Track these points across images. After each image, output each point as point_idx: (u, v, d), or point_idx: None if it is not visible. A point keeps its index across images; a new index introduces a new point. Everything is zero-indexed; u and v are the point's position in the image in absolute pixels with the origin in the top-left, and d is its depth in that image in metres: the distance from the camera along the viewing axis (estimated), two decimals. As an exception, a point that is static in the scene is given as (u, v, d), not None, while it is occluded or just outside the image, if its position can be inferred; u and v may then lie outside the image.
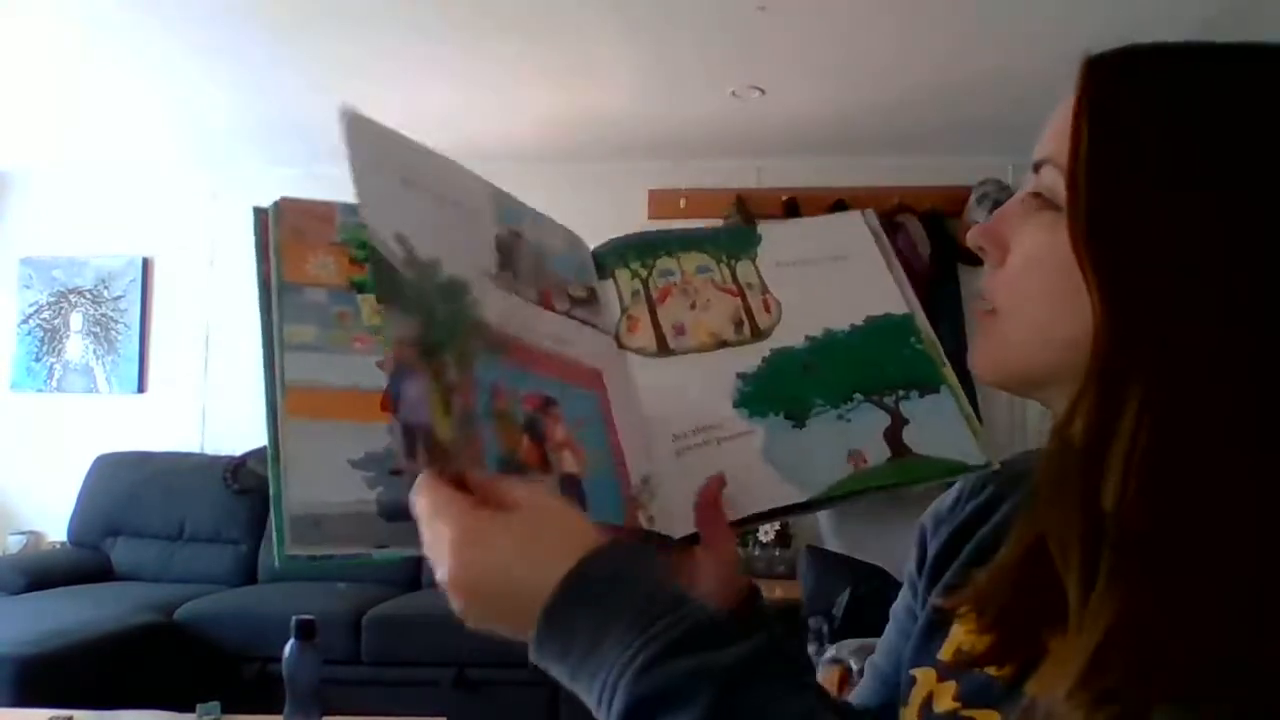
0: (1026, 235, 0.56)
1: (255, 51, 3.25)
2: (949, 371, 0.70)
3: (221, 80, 3.51)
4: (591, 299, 0.71)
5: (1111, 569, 0.46)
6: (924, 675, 0.62)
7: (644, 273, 0.74)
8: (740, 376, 0.70)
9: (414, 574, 3.76)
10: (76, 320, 4.55)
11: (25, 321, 4.57)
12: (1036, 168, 0.56)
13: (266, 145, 4.04)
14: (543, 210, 0.70)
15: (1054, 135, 0.55)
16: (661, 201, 4.23)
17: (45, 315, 4.56)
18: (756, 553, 3.78)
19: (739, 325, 0.73)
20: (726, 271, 0.75)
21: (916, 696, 0.61)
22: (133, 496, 4.10)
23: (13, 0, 2.88)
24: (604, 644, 0.48)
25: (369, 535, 0.58)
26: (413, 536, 0.54)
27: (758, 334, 0.72)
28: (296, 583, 3.72)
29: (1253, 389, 0.46)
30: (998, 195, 3.85)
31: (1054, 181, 0.54)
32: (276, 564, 0.58)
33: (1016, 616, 0.56)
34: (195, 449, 4.38)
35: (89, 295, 4.54)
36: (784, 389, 0.70)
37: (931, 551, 0.69)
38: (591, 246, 0.76)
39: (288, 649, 1.72)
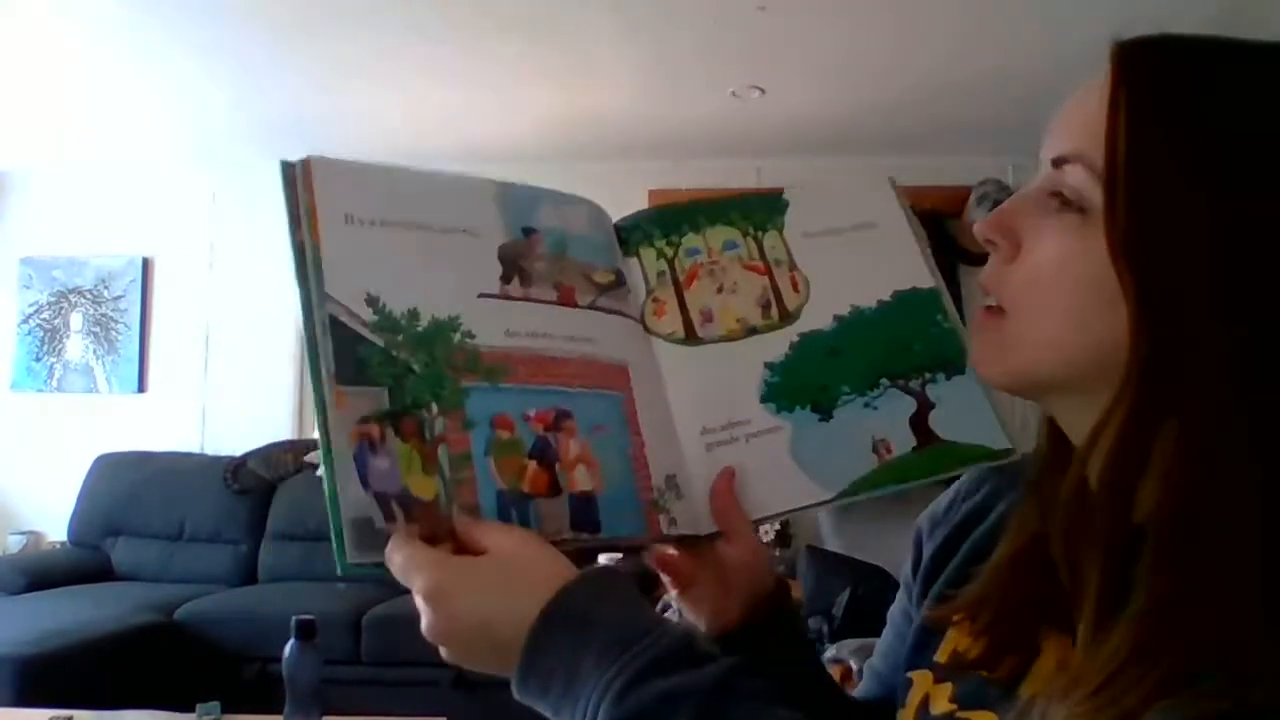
0: (1048, 237, 0.52)
1: (255, 51, 3.25)
2: None
3: (221, 80, 3.51)
4: (617, 283, 0.69)
5: (1152, 581, 0.44)
6: (920, 677, 0.62)
7: (670, 251, 0.73)
8: (768, 366, 0.70)
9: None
10: (76, 320, 4.55)
11: (25, 321, 4.57)
12: (1057, 163, 0.51)
13: (266, 145, 4.03)
14: None
15: (1079, 130, 0.50)
16: (661, 201, 4.22)
17: (45, 315, 4.56)
18: (756, 553, 3.77)
19: (766, 308, 0.72)
20: (754, 245, 0.74)
21: (913, 698, 0.61)
22: (133, 496, 4.10)
23: (13, 0, 2.88)
24: (582, 672, 0.49)
25: None
26: None
27: (786, 317, 0.72)
28: (296, 583, 3.73)
29: None
30: (998, 195, 3.85)
31: (1082, 183, 0.49)
32: (339, 573, 0.55)
33: (1011, 618, 0.56)
34: (195, 449, 4.37)
35: (89, 295, 4.54)
36: (811, 377, 0.70)
37: (927, 553, 0.69)
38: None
39: (288, 649, 1.72)
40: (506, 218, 0.66)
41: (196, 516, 4.07)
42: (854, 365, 0.70)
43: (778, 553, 3.78)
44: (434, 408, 0.57)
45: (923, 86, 3.47)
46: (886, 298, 0.72)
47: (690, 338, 0.70)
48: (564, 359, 0.63)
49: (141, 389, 4.51)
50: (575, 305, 0.66)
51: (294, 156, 0.61)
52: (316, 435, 0.58)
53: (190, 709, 2.01)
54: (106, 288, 4.53)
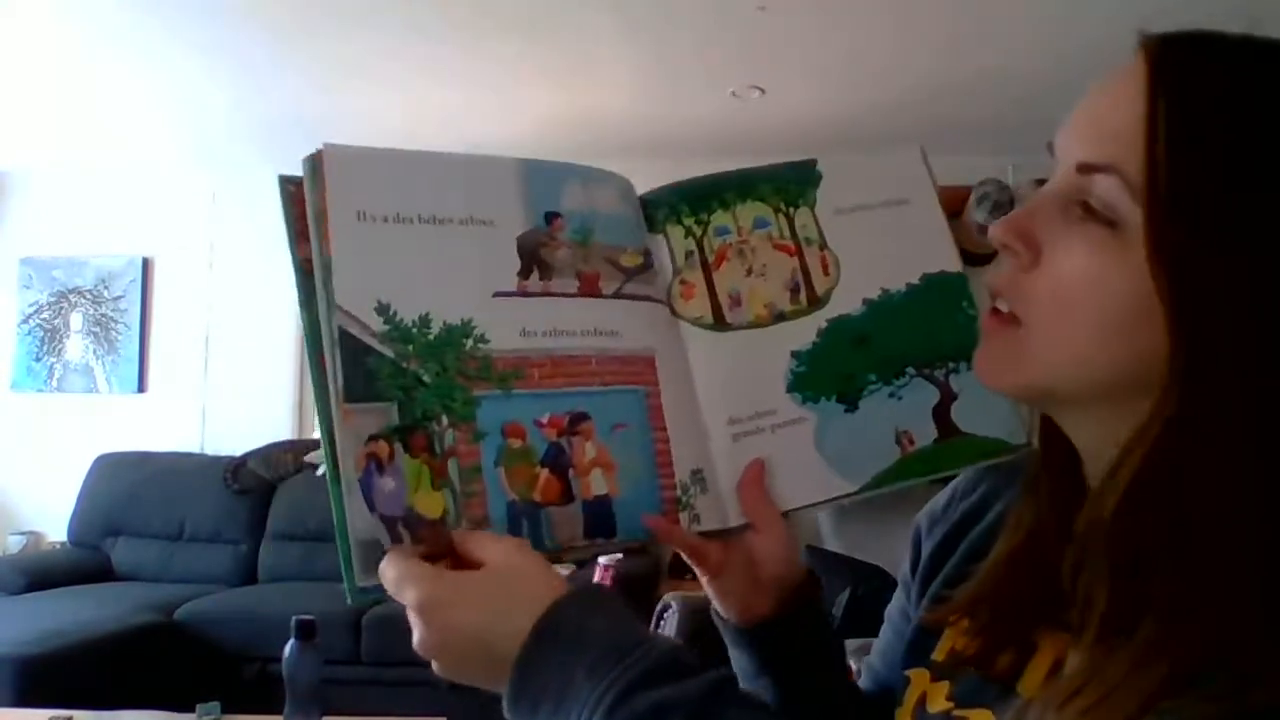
0: (1075, 251, 0.49)
1: (255, 51, 3.25)
2: None
3: (221, 80, 3.51)
4: (645, 265, 0.68)
5: (1158, 586, 0.44)
6: (917, 675, 0.62)
7: (698, 230, 0.71)
8: (795, 355, 0.69)
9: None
10: (76, 320, 4.55)
11: (25, 321, 4.57)
12: (1084, 169, 0.49)
13: (266, 145, 4.03)
14: None
15: (1110, 136, 0.48)
16: (661, 201, 4.22)
17: (45, 315, 4.56)
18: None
19: (795, 292, 0.70)
20: (784, 223, 0.72)
21: (910, 697, 0.61)
22: (133, 496, 4.10)
23: (13, 0, 2.88)
24: (574, 686, 0.49)
25: None
26: None
27: (815, 301, 0.70)
28: (296, 583, 3.72)
29: None
30: (998, 195, 3.84)
31: (1115, 196, 0.47)
32: (349, 601, 0.54)
33: (1008, 616, 0.56)
34: (195, 449, 4.37)
35: (89, 295, 4.54)
36: (838, 366, 0.69)
37: (926, 551, 0.69)
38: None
39: (288, 649, 1.72)
40: (528, 201, 0.64)
41: (196, 516, 4.07)
42: (881, 352, 0.69)
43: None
44: (444, 420, 0.56)
45: (923, 86, 3.47)
46: (916, 280, 0.71)
47: (719, 323, 0.69)
48: (583, 357, 0.62)
49: (141, 389, 4.51)
50: (599, 295, 0.64)
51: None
52: (317, 435, 0.58)
53: (190, 709, 2.01)
54: (106, 288, 4.53)
